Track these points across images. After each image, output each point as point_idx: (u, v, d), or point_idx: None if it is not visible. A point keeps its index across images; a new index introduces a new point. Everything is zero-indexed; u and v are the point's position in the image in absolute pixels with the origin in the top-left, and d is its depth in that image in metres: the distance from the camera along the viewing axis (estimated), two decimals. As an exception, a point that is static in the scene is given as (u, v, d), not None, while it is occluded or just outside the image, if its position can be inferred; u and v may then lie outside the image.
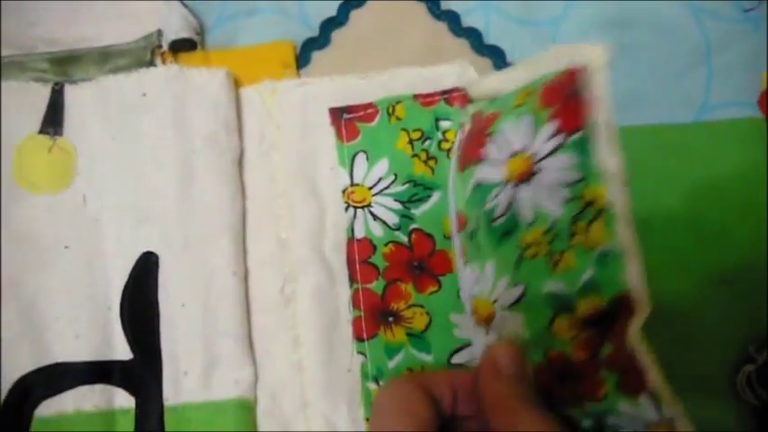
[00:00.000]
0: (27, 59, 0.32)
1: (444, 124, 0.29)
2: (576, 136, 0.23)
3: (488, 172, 0.26)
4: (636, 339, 0.23)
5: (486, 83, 0.28)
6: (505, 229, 0.25)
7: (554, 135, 0.24)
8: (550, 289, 0.24)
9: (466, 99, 0.29)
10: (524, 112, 0.25)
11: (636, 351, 0.23)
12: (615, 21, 0.33)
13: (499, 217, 0.25)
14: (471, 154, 0.26)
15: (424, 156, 0.29)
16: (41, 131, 0.31)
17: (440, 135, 0.29)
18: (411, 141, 0.29)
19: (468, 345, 0.28)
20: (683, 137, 0.31)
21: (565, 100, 0.23)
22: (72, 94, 0.32)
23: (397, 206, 0.29)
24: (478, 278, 0.26)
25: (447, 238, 0.29)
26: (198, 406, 0.29)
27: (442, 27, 0.33)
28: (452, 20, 0.33)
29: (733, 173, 0.31)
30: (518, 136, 0.25)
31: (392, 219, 0.29)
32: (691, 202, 0.30)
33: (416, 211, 0.29)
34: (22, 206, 0.31)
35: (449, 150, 0.29)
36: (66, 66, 0.33)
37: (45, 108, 0.32)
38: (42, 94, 0.32)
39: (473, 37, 0.33)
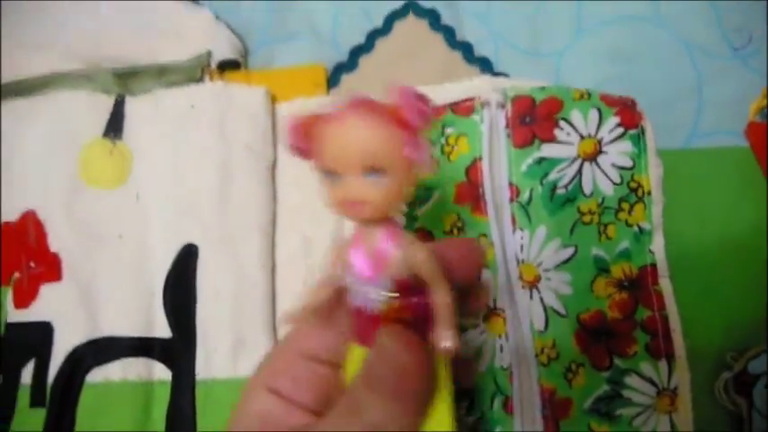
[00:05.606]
0: (94, 73, 0.36)
1: (448, 131, 0.32)
2: (632, 131, 0.31)
3: (560, 150, 0.31)
4: (671, 307, 0.30)
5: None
6: (568, 197, 0.30)
7: (616, 127, 0.31)
8: (595, 252, 0.30)
9: (471, 109, 0.31)
10: (591, 105, 0.31)
11: (669, 317, 0.30)
12: (614, 54, 0.36)
13: (563, 186, 0.30)
14: (543, 135, 0.31)
15: None
16: (105, 135, 0.35)
17: (443, 140, 0.32)
18: None
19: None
20: (672, 162, 0.34)
21: (623, 105, 0.31)
22: (132, 104, 0.36)
23: (404, 209, 0.32)
24: (526, 244, 0.30)
25: (446, 233, 0.31)
26: (225, 381, 0.32)
27: (456, 56, 0.37)
28: (466, 49, 0.37)
29: (717, 197, 0.34)
30: (587, 123, 0.31)
31: (401, 220, 0.32)
32: (675, 221, 0.33)
33: (418, 212, 0.32)
34: (85, 198, 0.35)
35: (450, 153, 0.31)
36: (127, 80, 0.36)
37: (108, 116, 0.36)
38: (107, 103, 0.36)
39: (484, 65, 0.36)
